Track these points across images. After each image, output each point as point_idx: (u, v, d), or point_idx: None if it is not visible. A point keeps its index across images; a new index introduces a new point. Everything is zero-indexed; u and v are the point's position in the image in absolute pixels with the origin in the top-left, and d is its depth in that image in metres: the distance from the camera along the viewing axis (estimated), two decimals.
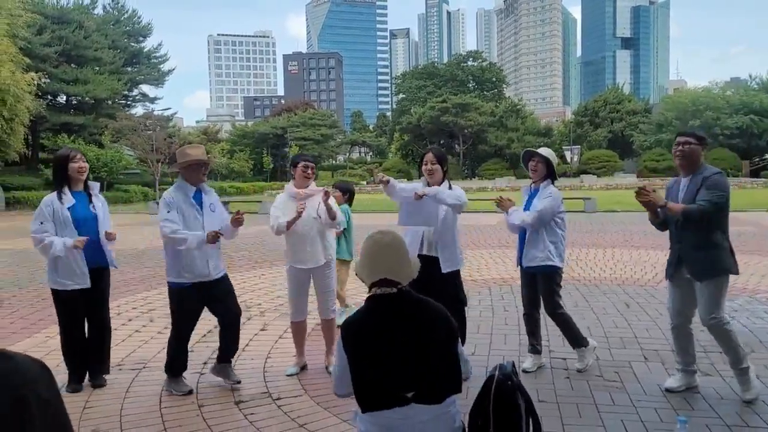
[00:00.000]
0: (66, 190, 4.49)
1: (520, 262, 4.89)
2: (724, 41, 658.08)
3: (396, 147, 75.22)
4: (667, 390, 4.33)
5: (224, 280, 4.55)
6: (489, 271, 9.27)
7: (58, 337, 4.68)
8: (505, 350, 5.36)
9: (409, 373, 2.31)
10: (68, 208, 4.43)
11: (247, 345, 5.58)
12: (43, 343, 5.78)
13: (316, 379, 4.69)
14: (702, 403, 4.13)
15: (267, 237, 14.50)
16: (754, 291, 7.56)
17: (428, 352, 2.33)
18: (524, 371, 4.71)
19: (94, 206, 4.57)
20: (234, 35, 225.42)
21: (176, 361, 4.49)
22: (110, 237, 4.55)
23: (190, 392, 4.44)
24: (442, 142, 69.08)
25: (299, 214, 4.61)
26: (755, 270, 8.93)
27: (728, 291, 4.29)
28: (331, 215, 4.70)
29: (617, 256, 10.79)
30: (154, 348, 5.55)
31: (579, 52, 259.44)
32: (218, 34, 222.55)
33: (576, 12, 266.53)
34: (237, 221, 4.44)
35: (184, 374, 4.57)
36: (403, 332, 2.33)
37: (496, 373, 2.56)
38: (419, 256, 4.44)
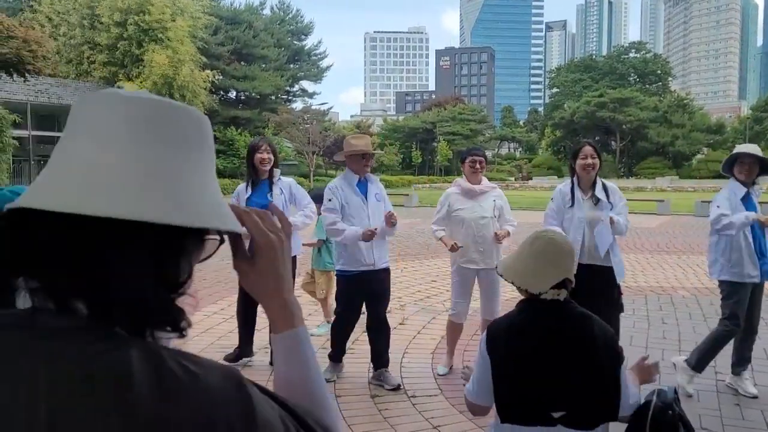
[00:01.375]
0: (253, 179, 4.80)
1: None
2: None
3: (547, 143, 72.76)
4: None
5: (385, 275, 4.56)
6: (646, 278, 8.57)
7: None
8: (662, 367, 4.85)
9: (561, 391, 2.08)
10: (247, 197, 4.74)
11: None
12: None
13: (454, 380, 4.55)
14: None
15: (413, 230, 14.60)
16: None
17: (587, 371, 2.08)
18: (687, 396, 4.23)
19: (272, 194, 4.78)
20: (389, 32, 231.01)
21: (336, 348, 4.63)
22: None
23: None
24: (597, 138, 65.58)
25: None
26: None
27: None
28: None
29: None
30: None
31: (760, 41, 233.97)
32: (374, 32, 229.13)
33: None
34: (390, 223, 4.38)
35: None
36: (561, 345, 2.09)
37: (654, 398, 2.25)
38: (583, 265, 4.05)
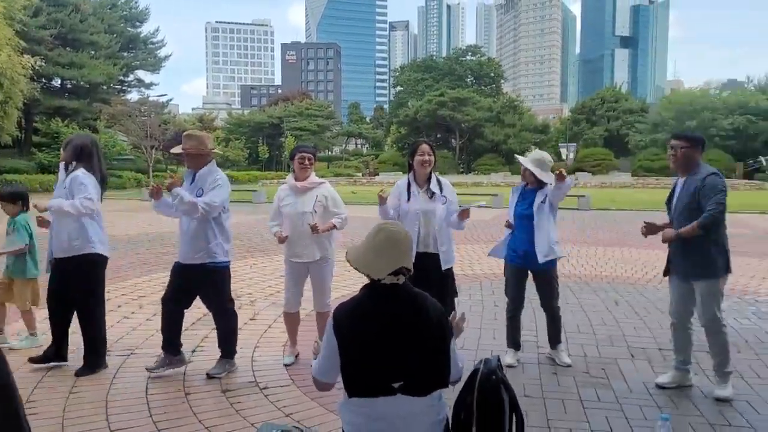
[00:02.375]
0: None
1: (516, 260, 4.91)
2: (725, 43, 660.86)
3: (392, 140, 75.14)
4: (658, 386, 4.37)
5: (199, 270, 4.54)
6: (481, 266, 9.29)
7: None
8: (494, 345, 5.37)
9: (400, 364, 2.32)
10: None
11: None
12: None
13: (306, 370, 4.69)
14: (686, 402, 4.15)
15: (260, 226, 14.49)
16: (743, 292, 7.61)
17: (421, 345, 2.34)
18: (509, 366, 4.74)
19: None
20: (232, 23, 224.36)
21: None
22: None
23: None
24: (438, 136, 69.00)
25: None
26: (744, 272, 8.97)
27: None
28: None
29: (609, 253, 10.83)
30: (142, 335, 5.54)
31: (578, 50, 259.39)
32: (216, 22, 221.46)
33: (576, 9, 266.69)
34: (166, 188, 4.39)
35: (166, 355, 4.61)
36: (398, 322, 2.34)
37: (481, 367, 2.56)
38: (418, 254, 4.41)
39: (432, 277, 4.41)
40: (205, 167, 4.55)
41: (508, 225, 4.97)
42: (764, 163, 53.45)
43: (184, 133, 4.69)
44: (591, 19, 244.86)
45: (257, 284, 7.92)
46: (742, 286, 7.97)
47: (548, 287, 4.92)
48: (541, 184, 4.84)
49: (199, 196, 4.44)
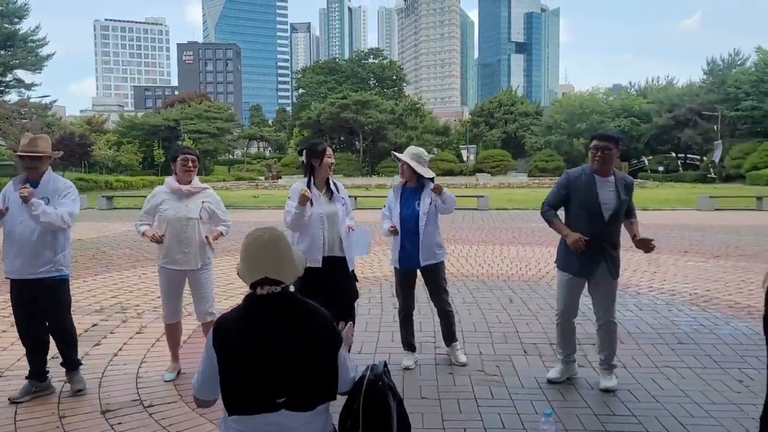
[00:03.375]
0: None
1: (405, 263, 4.89)
2: (611, 49, 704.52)
3: (296, 142, 74.45)
4: (549, 381, 4.49)
5: (43, 284, 4.16)
6: (381, 269, 9.30)
7: None
8: (392, 347, 5.34)
9: (283, 378, 2.20)
10: None
11: (120, 349, 5.25)
12: None
13: None
14: (574, 394, 4.30)
15: None
16: (626, 286, 8.03)
17: (307, 358, 2.22)
18: (406, 369, 4.75)
19: None
20: (123, 21, 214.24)
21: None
22: None
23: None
24: (342, 138, 69.14)
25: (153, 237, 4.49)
26: (628, 266, 9.49)
27: None
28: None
29: (505, 252, 11.17)
30: (9, 357, 5.08)
31: (476, 54, 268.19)
32: (106, 19, 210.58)
33: (474, 15, 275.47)
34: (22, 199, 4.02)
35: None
36: (281, 335, 2.21)
37: (368, 373, 2.49)
38: (324, 258, 4.32)
39: (339, 281, 4.36)
40: (46, 173, 4.22)
41: (394, 231, 4.85)
42: (647, 162, 57.58)
43: (32, 137, 4.28)
44: (488, 24, 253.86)
45: (146, 295, 7.51)
46: (626, 279, 8.42)
47: (436, 284, 4.95)
48: (420, 182, 4.85)
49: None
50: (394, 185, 5.13)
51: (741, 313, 6.55)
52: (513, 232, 14.50)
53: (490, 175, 53.33)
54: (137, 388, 4.39)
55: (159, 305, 6.83)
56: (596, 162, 4.30)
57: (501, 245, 12.13)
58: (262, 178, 54.80)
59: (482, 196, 22.76)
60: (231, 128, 75.43)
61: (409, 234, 4.81)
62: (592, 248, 4.29)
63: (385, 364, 2.57)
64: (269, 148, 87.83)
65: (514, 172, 58.58)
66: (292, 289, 2.38)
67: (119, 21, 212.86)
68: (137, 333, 5.79)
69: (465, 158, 61.67)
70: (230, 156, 78.59)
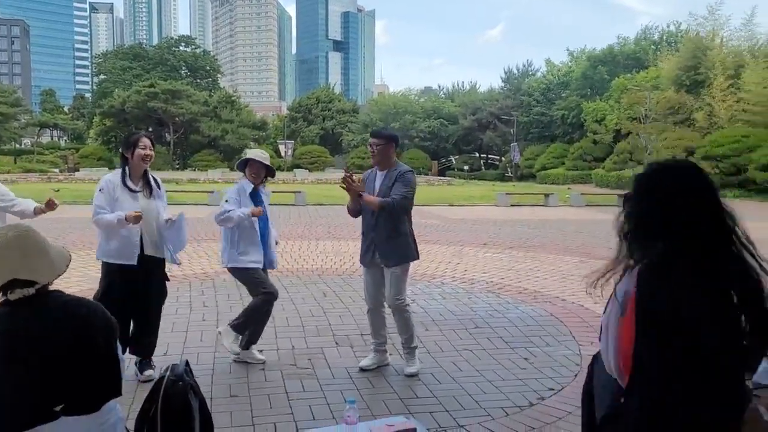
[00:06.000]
0: None
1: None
2: (426, 53, 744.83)
3: (96, 132, 68.53)
4: (361, 369, 4.62)
5: None
6: (192, 266, 8.91)
7: None
8: (201, 347, 5.15)
9: (58, 383, 1.99)
10: None
11: None
12: None
13: None
14: (382, 381, 4.48)
15: None
16: (432, 276, 8.56)
17: (81, 356, 2.04)
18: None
19: None
20: None
21: None
22: None
23: None
24: (150, 129, 64.71)
25: None
26: (434, 258, 10.12)
27: (411, 276, 4.75)
28: None
29: (321, 246, 11.30)
30: None
31: (294, 50, 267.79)
32: None
33: (291, 10, 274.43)
34: None
35: None
36: (46, 338, 2.00)
37: (167, 374, 2.37)
38: (144, 256, 4.16)
39: (154, 282, 4.30)
40: None
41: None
42: (454, 161, 61.93)
43: None
44: (305, 20, 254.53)
45: None
46: (432, 271, 8.98)
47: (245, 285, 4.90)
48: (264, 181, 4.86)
49: None
50: (238, 186, 4.82)
51: (528, 298, 7.30)
52: (329, 227, 14.73)
53: (308, 170, 53.64)
54: None
55: None
56: (372, 157, 4.61)
57: (317, 240, 12.26)
58: (57, 170, 49.56)
59: (299, 192, 22.83)
60: (17, 114, 67.12)
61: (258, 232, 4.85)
62: (367, 239, 4.59)
63: (187, 363, 2.47)
64: (65, 138, 79.81)
65: (332, 168, 59.54)
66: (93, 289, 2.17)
67: None
68: None
69: (283, 154, 61.28)
70: (18, 145, 70.06)
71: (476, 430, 3.72)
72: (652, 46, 51.57)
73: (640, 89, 37.36)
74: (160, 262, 4.41)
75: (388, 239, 4.49)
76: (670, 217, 1.74)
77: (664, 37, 53.07)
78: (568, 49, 71.52)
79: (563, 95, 55.10)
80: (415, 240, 4.68)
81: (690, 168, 1.83)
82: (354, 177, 4.49)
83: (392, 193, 4.43)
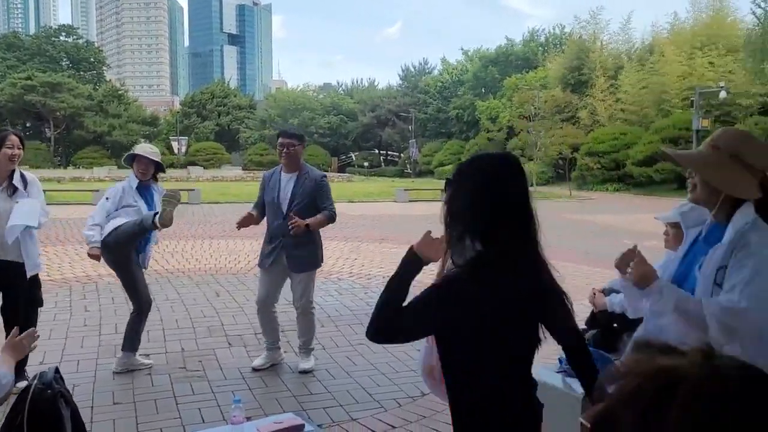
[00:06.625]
0: None
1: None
2: (325, 49, 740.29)
3: None
4: (254, 369, 4.53)
5: None
6: (72, 269, 8.38)
7: None
8: (82, 354, 4.86)
9: None
10: None
11: None
12: None
13: None
14: (276, 379, 4.42)
15: None
16: (329, 273, 8.54)
17: None
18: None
19: None
20: None
21: None
22: None
23: None
24: (28, 125, 60.59)
25: None
26: (332, 254, 10.11)
27: None
28: None
29: (215, 246, 10.99)
30: None
31: (187, 42, 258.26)
32: None
33: (183, 1, 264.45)
34: None
35: None
36: None
37: (35, 382, 2.22)
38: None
39: (17, 288, 3.96)
40: None
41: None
42: (354, 158, 62.15)
43: None
44: (198, 12, 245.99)
45: None
46: (329, 267, 8.94)
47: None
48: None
49: None
50: (124, 185, 4.58)
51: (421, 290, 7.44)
52: (224, 226, 14.33)
53: (203, 168, 51.94)
54: None
55: None
56: (283, 157, 4.50)
57: (211, 239, 11.91)
58: None
59: (193, 190, 22.09)
60: None
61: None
62: (274, 243, 4.49)
63: (57, 371, 2.33)
64: None
65: (229, 165, 58.02)
66: None
67: None
68: None
69: (176, 150, 58.93)
70: None
71: (369, 422, 3.75)
72: (540, 48, 54.16)
73: (530, 88, 39.08)
74: (18, 267, 3.98)
75: (300, 246, 4.44)
76: (477, 202, 1.73)
77: (550, 39, 55.87)
78: (462, 49, 73.74)
79: (459, 93, 56.69)
80: (321, 246, 4.70)
81: (503, 157, 1.84)
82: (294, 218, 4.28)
83: (322, 205, 4.48)
